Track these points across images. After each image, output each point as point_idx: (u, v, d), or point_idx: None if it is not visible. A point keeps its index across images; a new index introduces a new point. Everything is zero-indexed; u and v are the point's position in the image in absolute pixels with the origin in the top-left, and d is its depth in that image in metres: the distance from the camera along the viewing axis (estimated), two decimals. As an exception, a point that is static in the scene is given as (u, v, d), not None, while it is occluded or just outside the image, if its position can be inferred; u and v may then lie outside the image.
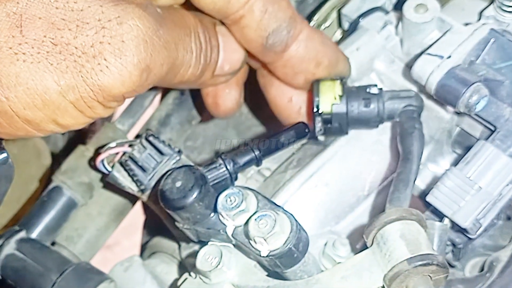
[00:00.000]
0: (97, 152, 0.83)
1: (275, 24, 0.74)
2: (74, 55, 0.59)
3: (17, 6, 0.59)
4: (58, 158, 0.95)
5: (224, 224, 0.67)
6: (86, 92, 0.60)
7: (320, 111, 0.76)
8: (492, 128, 0.72)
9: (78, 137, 0.97)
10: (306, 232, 0.65)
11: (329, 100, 0.76)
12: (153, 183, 0.76)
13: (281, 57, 0.76)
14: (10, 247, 0.84)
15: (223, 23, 0.75)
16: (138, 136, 0.85)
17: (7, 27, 0.59)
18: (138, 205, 0.97)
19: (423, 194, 0.76)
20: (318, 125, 0.77)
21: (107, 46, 0.60)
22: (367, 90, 0.76)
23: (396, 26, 0.81)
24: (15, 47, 0.59)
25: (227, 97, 0.81)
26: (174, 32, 0.67)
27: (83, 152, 0.91)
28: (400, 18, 0.79)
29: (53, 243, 0.91)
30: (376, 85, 0.77)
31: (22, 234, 0.86)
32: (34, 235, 0.88)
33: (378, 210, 0.80)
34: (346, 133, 0.78)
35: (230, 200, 0.66)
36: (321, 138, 0.81)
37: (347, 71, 0.80)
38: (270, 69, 0.79)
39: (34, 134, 0.63)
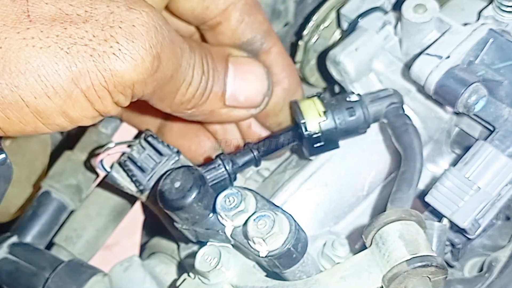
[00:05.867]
0: (95, 153, 0.83)
1: (250, 35, 0.76)
2: (85, 38, 0.58)
3: None
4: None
5: (223, 224, 0.67)
6: (98, 78, 0.59)
7: (309, 132, 0.75)
8: (491, 128, 0.72)
9: (67, 144, 0.98)
10: (305, 233, 0.65)
11: (315, 118, 0.75)
12: (152, 183, 0.76)
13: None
14: (2, 252, 0.84)
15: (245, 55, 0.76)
16: (137, 137, 0.85)
17: (13, 12, 0.58)
18: (137, 205, 0.97)
19: (422, 194, 0.76)
20: (309, 146, 0.76)
21: (118, 30, 0.59)
22: (347, 99, 0.76)
23: (395, 26, 0.81)
24: (23, 32, 0.57)
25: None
26: (178, 39, 0.66)
27: (69, 156, 0.92)
28: (399, 18, 0.79)
29: (52, 244, 0.91)
30: (353, 92, 0.77)
31: (13, 239, 0.86)
32: (26, 240, 0.88)
33: (377, 210, 0.80)
34: (338, 146, 0.77)
35: (229, 201, 0.66)
36: (313, 158, 0.80)
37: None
38: None
39: (42, 129, 0.61)
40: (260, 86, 0.75)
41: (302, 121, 0.75)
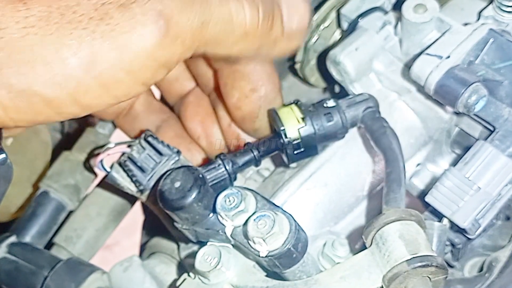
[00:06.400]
0: (95, 154, 0.83)
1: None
2: (83, 22, 0.56)
3: None
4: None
5: (223, 224, 0.67)
6: (108, 62, 0.56)
7: (289, 139, 0.75)
8: (491, 128, 0.72)
9: (65, 144, 0.98)
10: (305, 233, 0.65)
11: (294, 125, 0.75)
12: (152, 183, 0.76)
13: (231, 65, 0.76)
14: (1, 251, 0.84)
15: None
16: (137, 137, 0.85)
17: (10, 1, 0.56)
18: (137, 205, 0.97)
19: (422, 194, 0.76)
20: (290, 153, 0.76)
21: (109, 5, 0.56)
22: (324, 105, 0.76)
23: (395, 26, 0.81)
24: (22, 21, 0.55)
25: None
26: None
27: (67, 156, 0.92)
28: (399, 18, 0.79)
29: (52, 244, 0.91)
30: (330, 98, 0.77)
31: (12, 239, 0.86)
32: (25, 240, 0.88)
33: (377, 211, 0.80)
34: (317, 152, 0.77)
35: (229, 201, 0.66)
36: (293, 165, 0.80)
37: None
38: (218, 75, 0.79)
39: (54, 118, 0.59)
40: (308, 5, 0.70)
41: (282, 128, 0.75)
